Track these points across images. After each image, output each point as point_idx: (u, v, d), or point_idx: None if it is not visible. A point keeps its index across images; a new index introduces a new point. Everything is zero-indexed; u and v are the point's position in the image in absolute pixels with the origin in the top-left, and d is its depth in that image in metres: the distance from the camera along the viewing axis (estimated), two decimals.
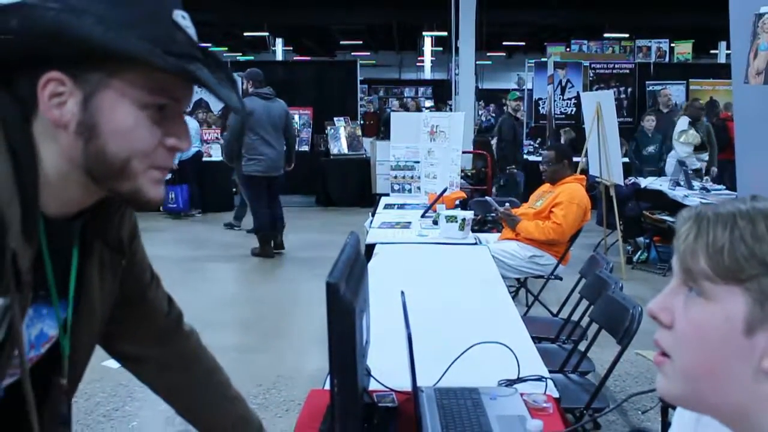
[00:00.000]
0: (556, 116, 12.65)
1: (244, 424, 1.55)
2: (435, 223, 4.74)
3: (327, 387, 1.69)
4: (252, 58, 23.42)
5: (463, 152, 7.63)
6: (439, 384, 2.06)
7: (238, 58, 22.24)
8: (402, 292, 1.89)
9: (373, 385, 1.92)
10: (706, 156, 8.96)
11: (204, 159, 10.78)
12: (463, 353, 2.14)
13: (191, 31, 1.04)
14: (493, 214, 5.45)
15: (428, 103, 22.04)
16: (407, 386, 1.81)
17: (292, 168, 8.12)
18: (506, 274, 4.59)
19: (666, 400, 0.93)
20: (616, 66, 13.34)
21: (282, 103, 7.67)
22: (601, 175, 7.71)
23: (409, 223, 5.04)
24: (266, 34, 21.66)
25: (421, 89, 27.46)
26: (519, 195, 8.30)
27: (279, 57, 23.06)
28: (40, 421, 1.17)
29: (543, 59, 15.54)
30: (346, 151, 11.90)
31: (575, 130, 11.46)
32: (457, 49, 12.26)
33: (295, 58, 25.12)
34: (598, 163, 7.69)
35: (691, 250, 0.88)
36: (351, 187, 11.58)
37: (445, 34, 16.69)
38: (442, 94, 21.11)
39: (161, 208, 9.64)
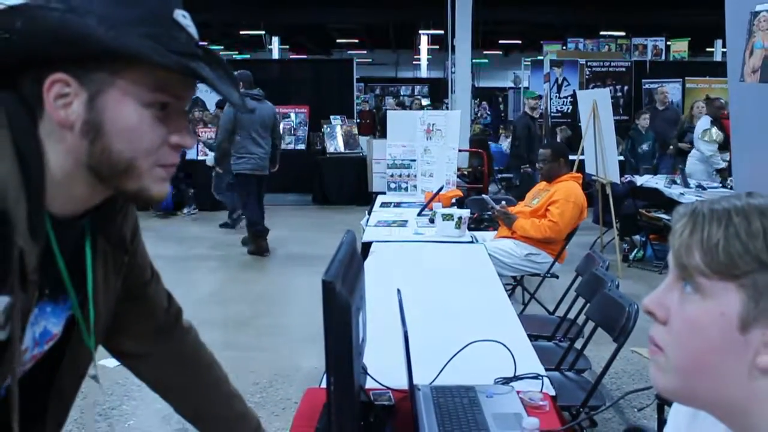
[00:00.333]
0: (552, 114, 12.66)
1: (242, 421, 1.55)
2: (431, 221, 4.74)
3: (323, 385, 1.69)
4: (248, 56, 23.40)
5: (460, 150, 7.63)
6: (435, 382, 2.06)
7: (234, 56, 22.20)
8: (398, 290, 1.90)
9: (369, 384, 1.92)
10: (728, 155, 8.96)
11: (200, 158, 10.75)
12: (459, 351, 2.14)
13: (192, 29, 1.05)
14: (490, 213, 5.45)
15: (425, 102, 22.05)
16: (404, 384, 1.82)
17: (276, 169, 8.30)
18: (503, 272, 4.59)
19: (660, 393, 0.93)
20: (612, 64, 13.35)
21: (270, 104, 7.86)
22: (598, 173, 7.72)
23: (406, 221, 5.05)
24: (262, 32, 21.64)
25: (418, 87, 27.44)
26: None
27: (275, 55, 23.01)
28: (45, 416, 1.20)
29: (539, 57, 15.55)
30: (342, 149, 11.90)
31: (571, 129, 11.48)
32: (453, 47, 12.26)
33: (291, 56, 25.09)
34: (595, 161, 7.70)
35: (686, 245, 0.88)
36: (347, 185, 11.58)
37: (441, 32, 16.67)
38: (438, 93, 21.11)
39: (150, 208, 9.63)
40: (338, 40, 24.84)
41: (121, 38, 0.96)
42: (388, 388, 1.97)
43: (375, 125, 16.87)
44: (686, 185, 7.52)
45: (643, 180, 8.17)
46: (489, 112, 20.67)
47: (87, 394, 1.34)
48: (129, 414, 3.89)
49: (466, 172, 10.78)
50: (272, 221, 9.91)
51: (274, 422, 3.70)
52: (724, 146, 8.56)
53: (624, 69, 13.18)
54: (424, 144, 6.48)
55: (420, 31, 21.91)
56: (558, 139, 10.81)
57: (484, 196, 6.61)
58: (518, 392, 2.01)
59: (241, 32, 21.75)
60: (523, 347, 2.43)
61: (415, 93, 26.54)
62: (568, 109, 12.51)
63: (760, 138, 3.47)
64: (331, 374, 1.42)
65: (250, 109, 1.12)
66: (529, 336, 2.74)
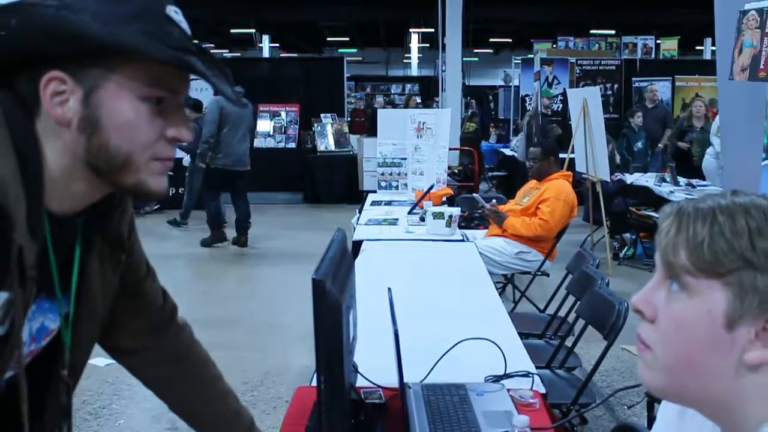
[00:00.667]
0: (542, 113, 12.67)
1: (236, 418, 1.55)
2: (422, 219, 4.75)
3: (314, 384, 1.69)
4: (239, 55, 23.36)
5: (450, 149, 7.63)
6: (426, 380, 2.07)
7: (224, 55, 22.17)
8: (389, 289, 1.90)
9: (360, 382, 1.93)
10: None
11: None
12: (450, 349, 2.15)
13: (184, 25, 1.07)
14: (480, 211, 5.46)
15: (418, 100, 22.03)
16: (394, 383, 1.82)
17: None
18: (493, 271, 4.60)
19: (649, 391, 0.94)
20: (603, 63, 13.37)
21: (249, 103, 7.85)
22: (588, 171, 7.74)
23: (396, 219, 5.05)
24: (253, 30, 21.59)
25: (408, 86, 27.44)
26: None
27: (266, 54, 22.99)
28: (42, 412, 1.20)
29: (529, 56, 15.57)
30: (333, 148, 11.89)
31: (562, 127, 11.50)
32: (443, 45, 12.27)
33: (281, 54, 25.06)
34: (585, 159, 7.72)
35: (672, 244, 0.89)
36: (338, 184, 11.57)
37: (432, 30, 16.69)
38: (429, 91, 21.11)
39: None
40: (329, 39, 24.81)
41: (115, 34, 0.97)
42: (379, 386, 1.97)
43: (366, 123, 16.86)
44: (676, 183, 7.55)
45: (633, 178, 8.20)
46: (476, 111, 20.66)
47: (77, 392, 1.34)
48: (119, 413, 3.88)
49: (456, 171, 10.79)
50: (263, 220, 9.90)
51: (265, 421, 3.70)
52: None
53: (614, 67, 13.21)
54: (415, 142, 6.48)
55: (410, 29, 21.93)
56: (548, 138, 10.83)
57: (474, 194, 6.62)
58: (509, 390, 2.01)
59: (232, 30, 21.70)
60: (513, 345, 2.43)
61: (406, 91, 26.55)
62: (558, 107, 12.53)
63: (748, 135, 3.49)
64: (321, 373, 1.42)
65: (244, 102, 1.13)
66: (520, 334, 2.74)
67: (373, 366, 1.97)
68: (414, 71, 28.51)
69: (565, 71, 12.72)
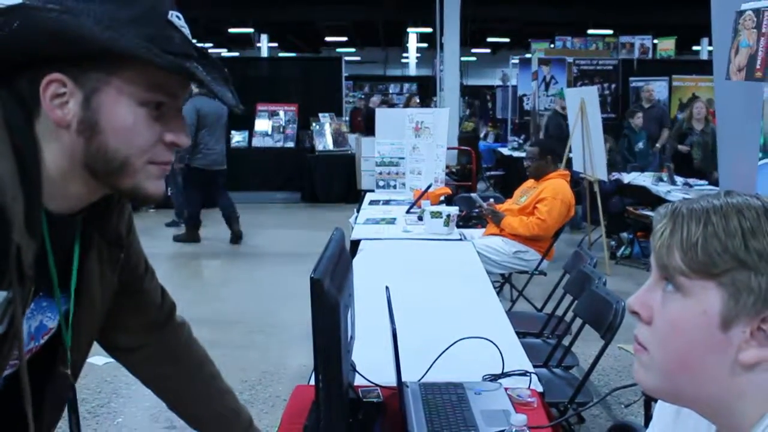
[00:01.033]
0: (540, 112, 12.67)
1: (234, 417, 1.56)
2: (420, 219, 4.75)
3: (312, 383, 1.70)
4: (237, 54, 23.34)
5: (448, 148, 7.63)
6: (424, 379, 2.07)
7: (222, 54, 22.15)
8: (387, 288, 1.90)
9: (358, 381, 1.93)
10: None
11: None
12: (447, 348, 2.15)
13: (186, 30, 1.07)
14: (478, 210, 5.47)
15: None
16: (392, 381, 1.82)
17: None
18: (491, 270, 4.60)
19: (645, 391, 0.95)
20: (600, 62, 13.38)
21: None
22: (585, 170, 7.74)
23: (394, 219, 5.05)
24: (251, 30, 21.57)
25: (406, 85, 27.41)
26: None
27: (264, 53, 22.97)
28: (41, 410, 1.21)
29: (527, 55, 15.57)
30: (331, 147, 11.87)
31: None
32: (441, 45, 12.27)
33: (280, 54, 25.04)
34: (582, 159, 7.73)
35: (666, 246, 0.89)
36: (336, 183, 11.56)
37: (430, 30, 16.69)
38: (427, 91, 21.11)
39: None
40: (327, 38, 24.79)
41: (116, 38, 0.98)
42: (377, 385, 1.97)
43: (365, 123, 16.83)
44: (673, 183, 7.56)
45: (631, 178, 8.20)
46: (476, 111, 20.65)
47: (77, 391, 1.34)
48: (117, 412, 3.89)
49: (454, 170, 10.80)
50: (261, 219, 9.92)
51: (263, 419, 3.70)
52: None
53: (611, 67, 13.21)
54: (413, 142, 6.48)
55: (409, 29, 21.92)
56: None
57: (472, 194, 6.62)
58: (506, 389, 2.02)
59: (230, 30, 21.68)
60: (511, 344, 2.44)
61: (404, 91, 26.53)
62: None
63: (745, 135, 3.50)
64: (319, 372, 1.43)
65: (241, 108, 1.15)
66: (517, 333, 2.75)
67: (371, 365, 1.97)
68: (412, 71, 28.50)
69: (563, 71, 12.72)
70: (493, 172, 13.44)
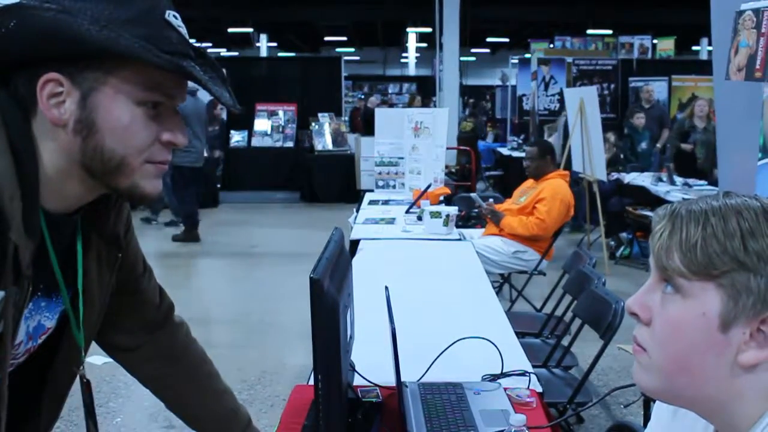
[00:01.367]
0: (539, 112, 12.68)
1: (233, 417, 1.56)
2: (419, 219, 4.75)
3: (311, 382, 1.70)
4: (236, 54, 23.33)
5: (448, 148, 7.63)
6: (423, 379, 2.07)
7: (221, 54, 22.15)
8: (386, 288, 1.90)
9: (357, 381, 1.93)
10: None
11: None
12: (447, 348, 2.15)
13: (183, 30, 1.07)
14: (477, 210, 5.47)
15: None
16: (391, 381, 1.82)
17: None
18: (490, 270, 4.60)
19: (644, 392, 0.95)
20: (599, 62, 13.38)
21: (202, 98, 8.31)
22: (584, 170, 7.75)
23: (394, 219, 5.05)
24: (250, 30, 21.56)
25: (406, 85, 27.41)
26: None
27: (263, 53, 22.96)
28: (39, 409, 1.23)
29: (527, 55, 15.58)
30: (330, 147, 11.88)
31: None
32: (441, 45, 12.28)
33: (279, 54, 25.03)
34: (581, 159, 7.73)
35: (665, 247, 0.89)
36: (336, 183, 11.57)
37: (429, 30, 16.70)
38: (426, 91, 21.12)
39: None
40: (326, 38, 24.79)
41: (113, 38, 0.98)
42: (376, 385, 1.97)
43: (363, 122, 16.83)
44: (672, 183, 7.56)
45: (630, 178, 8.21)
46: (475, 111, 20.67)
47: (74, 391, 1.34)
48: (116, 411, 3.88)
49: (454, 170, 10.80)
50: (260, 219, 9.92)
51: (262, 419, 3.70)
52: None
53: (611, 67, 13.21)
54: (412, 142, 6.48)
55: (408, 29, 21.92)
56: (545, 137, 10.84)
57: (471, 194, 6.62)
58: (505, 389, 2.02)
59: (229, 30, 21.68)
60: (510, 344, 2.44)
61: (403, 91, 26.53)
62: (555, 106, 12.53)
63: (745, 135, 3.50)
64: (318, 371, 1.42)
65: (239, 109, 1.14)
66: (517, 333, 2.75)
67: (370, 365, 1.97)
68: (411, 71, 28.49)
69: (562, 71, 12.72)
70: (492, 172, 13.44)
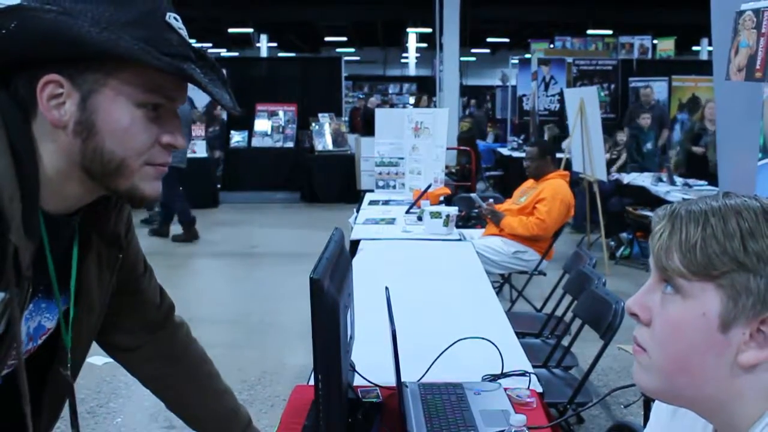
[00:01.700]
0: (539, 112, 12.68)
1: (233, 417, 1.56)
2: (419, 219, 4.75)
3: (311, 382, 1.70)
4: (236, 54, 23.34)
5: (448, 149, 7.63)
6: (423, 379, 2.07)
7: (222, 54, 22.15)
8: (386, 288, 1.90)
9: (357, 381, 1.93)
10: None
11: (188, 156, 10.71)
12: (447, 348, 2.15)
13: (184, 32, 1.07)
14: (477, 210, 5.47)
15: (412, 99, 22.01)
16: (392, 381, 1.82)
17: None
18: (490, 270, 4.60)
19: (644, 392, 0.95)
20: (600, 63, 13.39)
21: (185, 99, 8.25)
22: (585, 171, 7.75)
23: (394, 219, 5.05)
24: (251, 30, 21.57)
25: (406, 85, 27.42)
26: None
27: (263, 53, 22.97)
28: (39, 409, 1.22)
29: (527, 56, 15.58)
30: (330, 147, 11.88)
31: (559, 127, 11.51)
32: (441, 45, 12.28)
33: (279, 54, 25.03)
34: (582, 159, 7.73)
35: (665, 247, 0.89)
36: (336, 183, 11.57)
37: (429, 30, 16.70)
38: (426, 91, 21.13)
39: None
40: (326, 38, 24.80)
41: (113, 40, 0.98)
42: (376, 385, 1.97)
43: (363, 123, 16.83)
44: (672, 183, 7.56)
45: (630, 178, 8.20)
46: (473, 111, 20.68)
47: (75, 391, 1.34)
48: (116, 411, 3.89)
49: (454, 170, 10.79)
50: (260, 219, 9.92)
51: (263, 419, 3.70)
52: None
53: (611, 67, 13.22)
54: (412, 142, 6.48)
55: (408, 29, 21.92)
56: (545, 137, 10.84)
57: (471, 194, 6.62)
58: (506, 389, 2.02)
59: (229, 30, 21.69)
60: (510, 344, 2.44)
61: (403, 91, 26.53)
62: (555, 107, 12.54)
63: (745, 135, 3.50)
64: (319, 372, 1.42)
65: (238, 109, 1.14)
66: (517, 333, 2.75)
67: (370, 365, 1.97)
68: (412, 71, 28.50)
69: (562, 71, 12.73)
70: (492, 173, 13.44)
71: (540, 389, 2.10)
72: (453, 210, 4.61)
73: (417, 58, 27.22)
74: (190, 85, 1.09)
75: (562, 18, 19.02)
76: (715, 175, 8.14)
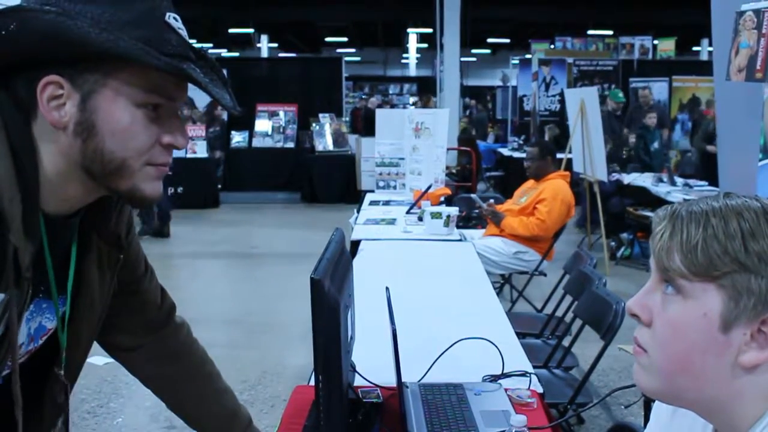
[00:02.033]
0: (540, 113, 12.69)
1: (234, 417, 1.56)
2: (420, 219, 4.75)
3: (312, 383, 1.70)
4: (237, 54, 23.35)
5: (448, 149, 7.63)
6: (424, 379, 2.07)
7: (222, 54, 22.15)
8: (387, 288, 1.90)
9: (358, 381, 1.93)
10: None
11: (189, 156, 10.73)
12: (447, 349, 2.15)
13: (183, 32, 1.07)
14: (478, 211, 5.47)
15: (412, 100, 22.01)
16: (392, 382, 1.82)
17: None
18: (491, 270, 4.60)
19: (644, 393, 0.95)
20: (600, 63, 13.39)
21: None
22: (585, 171, 7.75)
23: (394, 219, 5.05)
24: (251, 30, 21.57)
25: (406, 86, 27.42)
26: None
27: (264, 54, 22.97)
28: (41, 410, 1.22)
29: (527, 56, 15.59)
30: (331, 147, 11.88)
31: (559, 127, 11.51)
32: (441, 45, 12.28)
33: (280, 54, 25.04)
34: (582, 159, 7.73)
35: (666, 248, 0.89)
36: (336, 183, 11.57)
37: (430, 30, 16.70)
38: (427, 91, 21.14)
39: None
40: (327, 39, 24.81)
41: (113, 40, 0.97)
42: (377, 385, 1.97)
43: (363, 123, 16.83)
44: (673, 183, 7.56)
45: (631, 178, 8.20)
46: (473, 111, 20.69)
47: (75, 391, 1.34)
48: (117, 411, 3.89)
49: (454, 171, 10.80)
50: (261, 219, 9.92)
51: (263, 419, 3.70)
52: None
53: (611, 68, 13.22)
54: (413, 142, 6.48)
55: (409, 30, 21.93)
56: (546, 138, 10.84)
57: (472, 194, 6.63)
58: (506, 389, 2.02)
59: (230, 30, 21.69)
60: (511, 345, 2.44)
61: (404, 91, 26.54)
62: (556, 107, 12.55)
63: (745, 135, 3.50)
64: (319, 372, 1.43)
65: (238, 109, 1.14)
66: (517, 333, 2.75)
67: (370, 365, 1.97)
68: (412, 71, 28.51)
69: (563, 72, 12.74)
70: (493, 173, 13.44)
71: (540, 390, 2.10)
72: (453, 210, 4.61)
73: (417, 58, 27.23)
74: (190, 86, 1.09)
75: (562, 18, 19.02)
76: None
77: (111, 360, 1.53)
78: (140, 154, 1.06)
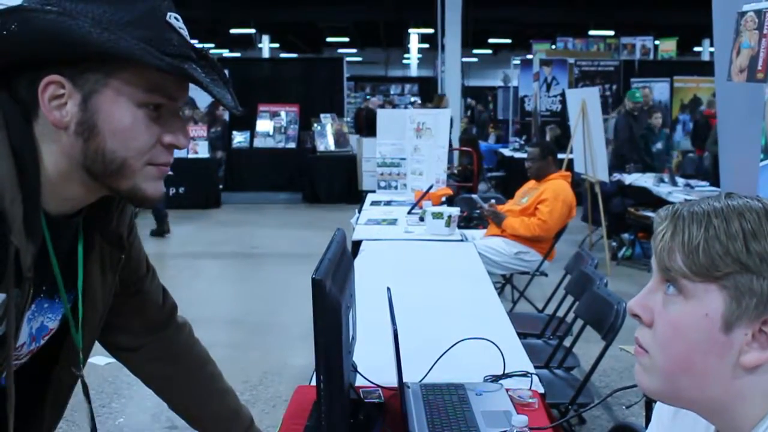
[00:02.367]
0: (541, 113, 12.69)
1: (235, 417, 1.56)
2: (421, 219, 4.75)
3: (313, 383, 1.70)
4: (238, 55, 23.36)
5: (452, 149, 7.63)
6: (425, 380, 2.07)
7: (224, 55, 22.16)
8: (388, 288, 1.90)
9: (359, 381, 1.93)
10: None
11: (190, 156, 10.74)
12: (449, 349, 2.15)
13: (185, 32, 1.07)
14: (479, 211, 5.47)
15: (412, 99, 22.00)
16: (393, 382, 1.82)
17: None
18: (492, 271, 4.60)
19: (645, 394, 0.95)
20: (601, 63, 13.39)
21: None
22: (586, 171, 7.75)
23: (396, 219, 5.05)
24: (253, 30, 21.57)
25: (408, 86, 27.41)
26: None
27: (265, 54, 22.97)
28: (42, 409, 1.23)
29: (528, 56, 15.59)
30: (332, 148, 11.88)
31: (560, 127, 11.51)
32: (443, 46, 12.29)
33: (281, 55, 25.04)
34: (583, 160, 7.73)
35: (668, 248, 0.89)
36: (338, 183, 11.58)
37: (431, 31, 16.70)
38: (428, 91, 21.13)
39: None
40: (328, 39, 24.80)
41: (114, 40, 0.98)
42: (378, 385, 1.97)
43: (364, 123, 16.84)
44: (674, 184, 7.55)
45: (632, 179, 8.20)
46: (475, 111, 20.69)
47: (77, 391, 1.35)
48: (119, 412, 3.89)
49: (456, 171, 10.80)
50: (262, 220, 9.92)
51: (265, 420, 3.70)
52: None
53: (613, 68, 13.22)
54: (414, 142, 6.48)
55: (410, 30, 21.92)
56: (547, 138, 10.83)
57: (473, 195, 6.63)
58: (507, 390, 2.02)
59: (231, 30, 21.70)
60: (512, 345, 2.43)
61: (405, 92, 26.53)
62: (557, 108, 12.54)
63: (746, 136, 3.49)
64: (321, 372, 1.43)
65: (240, 109, 1.14)
66: (519, 334, 2.75)
67: (372, 365, 1.97)
68: (413, 72, 28.49)
69: (564, 72, 12.73)
70: (494, 173, 13.44)
71: (542, 390, 2.10)
72: (455, 211, 4.61)
73: (419, 58, 27.20)
74: (192, 86, 1.09)
75: (563, 19, 19.01)
76: None
77: (112, 360, 1.54)
78: (141, 153, 1.06)
